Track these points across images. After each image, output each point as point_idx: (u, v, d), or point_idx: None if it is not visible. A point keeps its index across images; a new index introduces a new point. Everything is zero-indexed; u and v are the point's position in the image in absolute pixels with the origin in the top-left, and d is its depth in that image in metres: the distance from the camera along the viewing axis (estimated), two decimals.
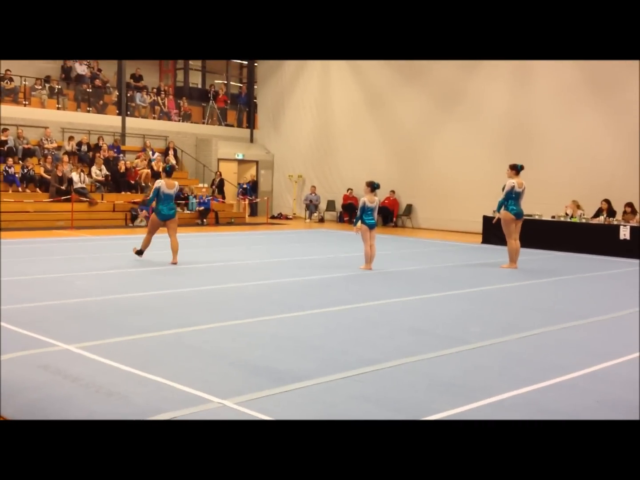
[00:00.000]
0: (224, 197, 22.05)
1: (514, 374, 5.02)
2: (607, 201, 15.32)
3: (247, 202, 22.96)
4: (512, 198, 11.06)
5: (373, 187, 10.40)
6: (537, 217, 15.32)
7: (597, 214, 15.29)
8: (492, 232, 14.83)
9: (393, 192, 21.21)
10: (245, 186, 23.20)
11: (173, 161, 22.37)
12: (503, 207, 11.17)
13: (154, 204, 10.77)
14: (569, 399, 4.48)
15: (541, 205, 16.07)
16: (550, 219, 15.40)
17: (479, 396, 4.43)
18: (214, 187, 21.70)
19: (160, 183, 10.52)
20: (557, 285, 9.93)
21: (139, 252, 10.84)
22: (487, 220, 15.83)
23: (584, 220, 14.93)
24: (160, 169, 20.52)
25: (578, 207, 15.48)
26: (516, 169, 11.15)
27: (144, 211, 18.20)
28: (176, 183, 10.80)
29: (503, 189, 11.21)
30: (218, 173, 22.55)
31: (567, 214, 15.41)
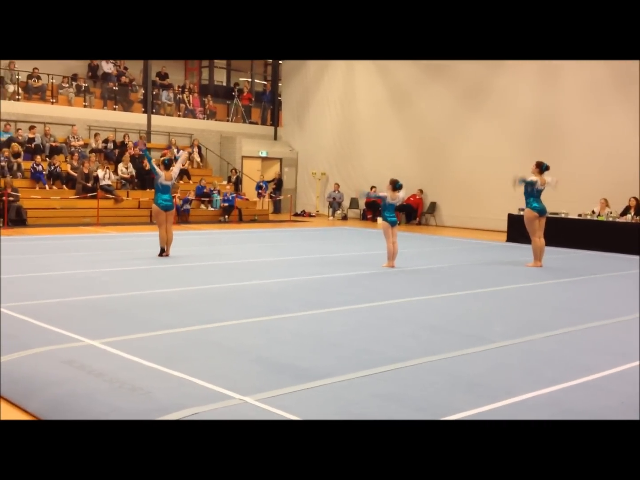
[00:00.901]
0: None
1: (538, 374, 4.96)
2: (636, 199, 15.09)
3: (262, 199, 22.77)
4: (533, 195, 10.96)
5: (395, 186, 10.34)
6: (563, 216, 15.13)
7: (625, 211, 15.07)
8: (517, 230, 14.68)
9: (421, 190, 21.04)
10: (261, 184, 23.03)
11: (198, 159, 22.53)
12: (526, 204, 11.08)
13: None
14: (594, 400, 4.42)
15: (567, 203, 15.88)
16: (576, 217, 15.21)
17: (502, 396, 4.38)
18: (230, 183, 21.76)
19: (161, 173, 11.22)
20: (583, 284, 9.80)
21: (162, 251, 10.97)
22: (512, 218, 15.69)
23: (611, 219, 14.72)
24: (186, 166, 20.75)
25: (607, 205, 15.27)
26: (541, 167, 11.03)
27: None
28: (172, 174, 11.47)
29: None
30: (233, 170, 22.59)
31: (593, 212, 15.20)
